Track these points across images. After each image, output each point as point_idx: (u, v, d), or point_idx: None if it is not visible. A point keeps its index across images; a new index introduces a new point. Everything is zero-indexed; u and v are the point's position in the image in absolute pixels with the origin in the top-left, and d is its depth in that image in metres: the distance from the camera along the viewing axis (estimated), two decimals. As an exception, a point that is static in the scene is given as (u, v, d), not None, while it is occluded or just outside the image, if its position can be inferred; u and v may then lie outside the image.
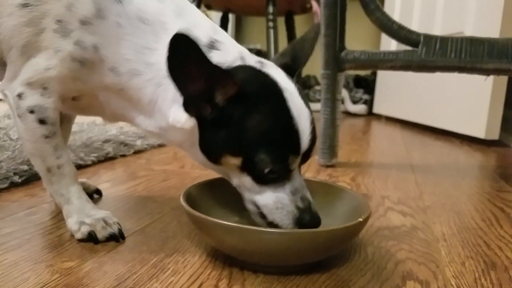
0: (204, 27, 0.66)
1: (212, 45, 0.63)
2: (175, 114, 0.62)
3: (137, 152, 1.37)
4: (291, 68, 0.68)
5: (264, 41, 2.60)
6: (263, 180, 0.61)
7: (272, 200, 0.61)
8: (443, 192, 1.05)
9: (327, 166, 1.30)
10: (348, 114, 3.16)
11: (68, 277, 0.55)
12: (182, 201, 0.63)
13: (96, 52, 0.63)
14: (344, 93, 3.26)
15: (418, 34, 1.15)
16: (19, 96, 0.65)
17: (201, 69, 0.56)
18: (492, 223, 0.83)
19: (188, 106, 0.60)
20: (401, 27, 1.17)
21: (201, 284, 0.55)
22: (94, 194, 0.88)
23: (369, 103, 3.21)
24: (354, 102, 3.29)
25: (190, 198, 0.66)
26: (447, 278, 0.59)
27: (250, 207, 0.64)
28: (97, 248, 0.64)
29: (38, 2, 0.62)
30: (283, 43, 2.88)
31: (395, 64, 1.19)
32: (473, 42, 1.09)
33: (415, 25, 2.38)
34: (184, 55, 0.54)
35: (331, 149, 1.32)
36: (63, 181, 0.70)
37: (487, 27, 1.77)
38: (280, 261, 0.59)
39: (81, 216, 0.68)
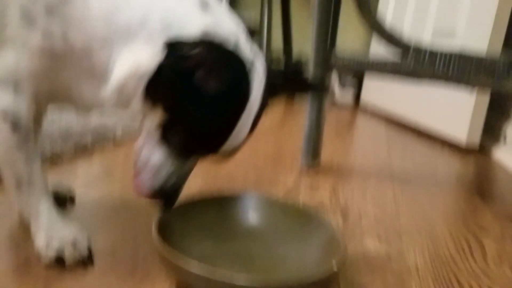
0: None
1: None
2: None
3: (117, 144, 1.34)
4: None
5: (259, 10, 2.53)
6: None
7: (158, 158, 0.62)
8: (419, 211, 1.06)
9: (309, 167, 1.29)
10: (335, 106, 3.14)
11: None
12: (154, 232, 0.62)
13: (65, 40, 0.59)
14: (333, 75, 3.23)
15: (408, 44, 1.14)
16: None
17: None
18: (465, 253, 0.83)
19: None
20: (393, 32, 1.15)
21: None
22: (67, 201, 0.86)
23: (357, 89, 3.18)
24: (343, 86, 3.26)
25: (163, 222, 0.65)
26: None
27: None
28: (64, 272, 0.62)
29: None
30: (277, 29, 2.84)
31: (384, 70, 1.18)
32: (462, 58, 1.08)
33: (408, 18, 2.36)
34: None
35: (315, 151, 1.31)
36: (33, 194, 0.66)
37: (479, 24, 1.76)
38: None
39: (49, 235, 0.65)
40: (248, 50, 0.61)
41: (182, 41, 0.56)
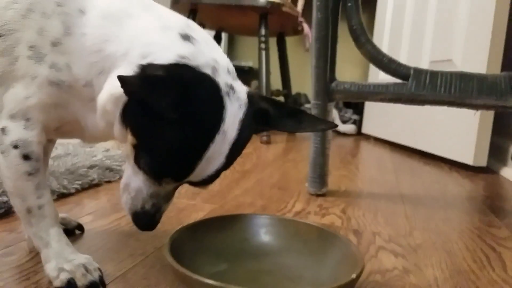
0: (176, 20, 0.64)
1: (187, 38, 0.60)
2: None
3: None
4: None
5: (256, 57, 2.60)
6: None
7: (135, 184, 0.62)
8: (434, 228, 1.04)
9: (317, 195, 1.28)
10: (338, 133, 3.16)
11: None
12: (166, 250, 0.61)
13: (69, 72, 0.61)
14: (334, 112, 3.27)
15: (408, 68, 1.14)
16: (3, 130, 0.62)
17: None
18: (484, 264, 0.81)
19: None
20: (391, 60, 1.17)
21: None
22: (75, 230, 0.85)
23: (358, 123, 3.23)
24: (344, 122, 3.31)
25: (175, 242, 0.64)
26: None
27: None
28: (78, 298, 0.61)
29: (10, 31, 0.60)
30: (274, 63, 2.91)
31: (385, 97, 1.18)
32: (463, 78, 1.09)
33: (404, 50, 2.40)
34: None
35: (321, 178, 1.31)
36: (43, 222, 0.66)
37: (475, 54, 1.78)
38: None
39: (60, 262, 0.64)
40: (228, 77, 0.60)
41: (152, 63, 0.57)
